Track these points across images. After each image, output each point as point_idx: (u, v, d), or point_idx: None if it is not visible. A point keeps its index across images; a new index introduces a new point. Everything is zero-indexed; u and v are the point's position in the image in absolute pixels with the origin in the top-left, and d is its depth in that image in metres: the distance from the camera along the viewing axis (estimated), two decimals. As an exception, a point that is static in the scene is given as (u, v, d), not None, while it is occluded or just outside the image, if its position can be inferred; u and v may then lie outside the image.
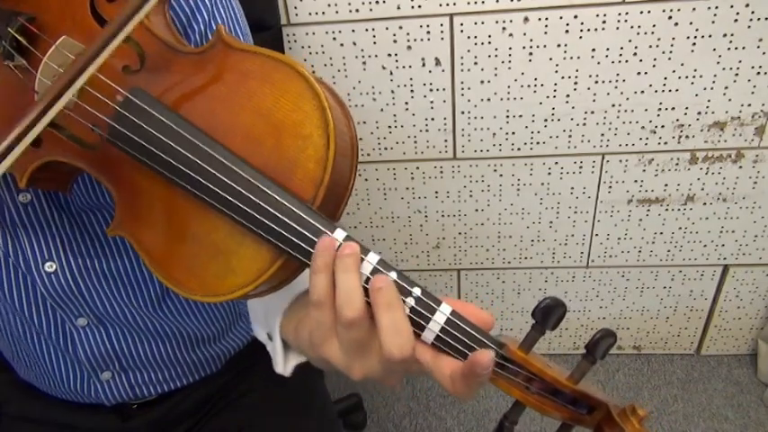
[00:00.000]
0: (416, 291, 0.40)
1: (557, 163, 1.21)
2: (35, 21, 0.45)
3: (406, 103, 1.16)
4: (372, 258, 0.40)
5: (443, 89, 1.14)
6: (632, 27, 1.04)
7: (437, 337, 0.40)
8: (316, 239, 0.39)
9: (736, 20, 1.02)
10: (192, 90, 0.43)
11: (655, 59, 1.07)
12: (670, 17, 1.03)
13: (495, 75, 1.11)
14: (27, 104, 0.45)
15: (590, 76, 1.10)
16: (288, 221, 0.39)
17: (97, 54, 0.40)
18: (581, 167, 1.21)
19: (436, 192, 1.28)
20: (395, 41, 1.09)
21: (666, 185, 1.23)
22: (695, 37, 1.04)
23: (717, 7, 1.01)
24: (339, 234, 0.40)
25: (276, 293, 0.51)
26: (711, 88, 1.10)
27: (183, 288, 0.43)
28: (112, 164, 0.45)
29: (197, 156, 0.40)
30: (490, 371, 0.39)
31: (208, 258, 0.43)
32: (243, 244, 0.42)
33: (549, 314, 0.40)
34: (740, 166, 1.19)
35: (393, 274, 0.40)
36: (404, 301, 0.40)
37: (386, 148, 1.23)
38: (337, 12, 1.07)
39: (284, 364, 0.54)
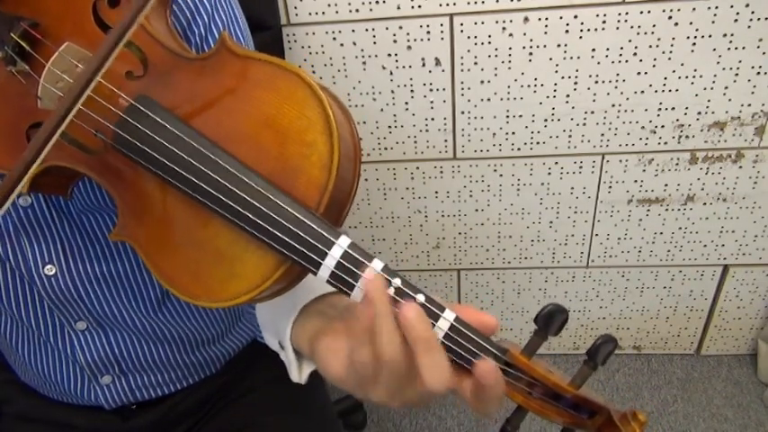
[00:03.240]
0: (420, 297, 0.40)
1: (557, 163, 1.21)
2: (38, 26, 0.45)
3: (406, 103, 1.16)
4: (377, 265, 0.40)
5: (443, 89, 1.13)
6: (632, 27, 1.04)
7: (441, 344, 0.40)
8: (319, 245, 0.39)
9: (736, 20, 1.02)
10: (196, 97, 0.43)
11: (655, 59, 1.07)
12: (670, 17, 1.03)
13: (495, 75, 1.11)
14: (29, 109, 0.45)
15: (590, 76, 1.10)
16: (292, 228, 0.39)
17: (103, 62, 0.39)
18: (581, 167, 1.21)
19: (436, 192, 1.28)
20: (395, 41, 1.09)
21: (666, 185, 1.23)
22: (695, 37, 1.04)
23: (717, 7, 1.01)
24: (343, 241, 0.39)
25: (283, 303, 0.50)
26: (711, 88, 1.10)
27: (187, 293, 0.43)
28: (115, 169, 0.45)
29: (201, 162, 0.40)
30: (499, 379, 0.39)
31: (211, 264, 0.42)
32: (247, 249, 0.42)
33: (551, 320, 0.41)
34: (740, 166, 1.19)
35: (397, 281, 0.40)
36: None
37: (386, 148, 1.23)
38: (337, 12, 1.07)
39: (299, 373, 0.54)
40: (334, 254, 0.39)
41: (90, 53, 0.43)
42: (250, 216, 0.40)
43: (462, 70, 1.11)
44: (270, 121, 0.41)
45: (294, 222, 0.39)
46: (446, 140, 1.20)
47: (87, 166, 0.45)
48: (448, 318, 0.40)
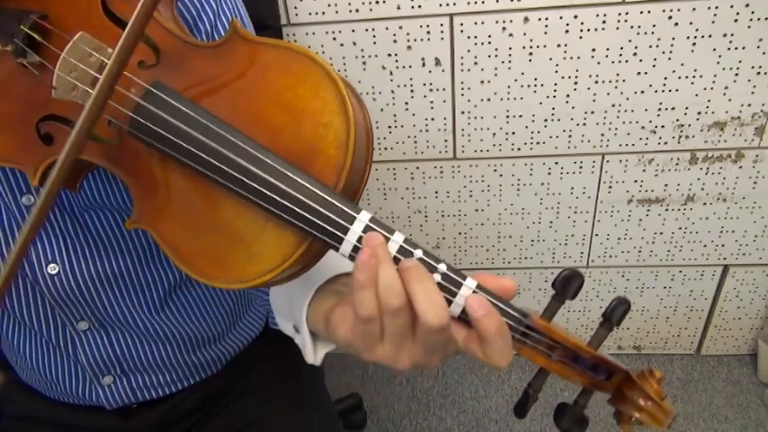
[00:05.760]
0: (442, 266, 0.41)
1: (557, 163, 1.21)
2: (47, 18, 0.45)
3: (406, 103, 1.16)
4: (398, 237, 0.41)
5: (443, 89, 1.14)
6: (632, 27, 1.04)
7: (464, 311, 0.41)
8: (341, 221, 0.40)
9: (736, 20, 1.02)
10: (211, 82, 0.44)
11: (655, 59, 1.07)
12: (670, 17, 1.03)
13: (495, 75, 1.11)
14: (41, 101, 0.45)
15: (590, 76, 1.10)
16: (314, 205, 0.40)
17: (126, 56, 0.39)
18: (581, 167, 1.22)
19: (436, 192, 1.28)
20: (395, 41, 1.09)
21: (666, 185, 1.23)
22: (695, 37, 1.04)
23: (717, 7, 1.01)
24: (364, 216, 0.40)
25: (298, 287, 0.50)
26: (711, 88, 1.10)
27: (206, 276, 0.43)
28: (129, 156, 0.45)
29: (221, 144, 0.41)
30: (491, 315, 0.40)
31: (231, 245, 0.43)
32: (266, 230, 0.42)
33: (568, 284, 0.43)
34: (740, 166, 1.19)
35: (419, 252, 0.41)
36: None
37: (386, 148, 1.23)
38: (337, 12, 1.07)
39: (314, 355, 0.54)
40: (356, 229, 0.40)
41: (102, 43, 0.43)
42: (270, 194, 0.40)
43: (462, 70, 1.11)
44: (285, 103, 0.42)
45: (316, 199, 0.40)
46: (446, 140, 1.20)
47: (100, 155, 0.45)
48: (470, 285, 0.41)
